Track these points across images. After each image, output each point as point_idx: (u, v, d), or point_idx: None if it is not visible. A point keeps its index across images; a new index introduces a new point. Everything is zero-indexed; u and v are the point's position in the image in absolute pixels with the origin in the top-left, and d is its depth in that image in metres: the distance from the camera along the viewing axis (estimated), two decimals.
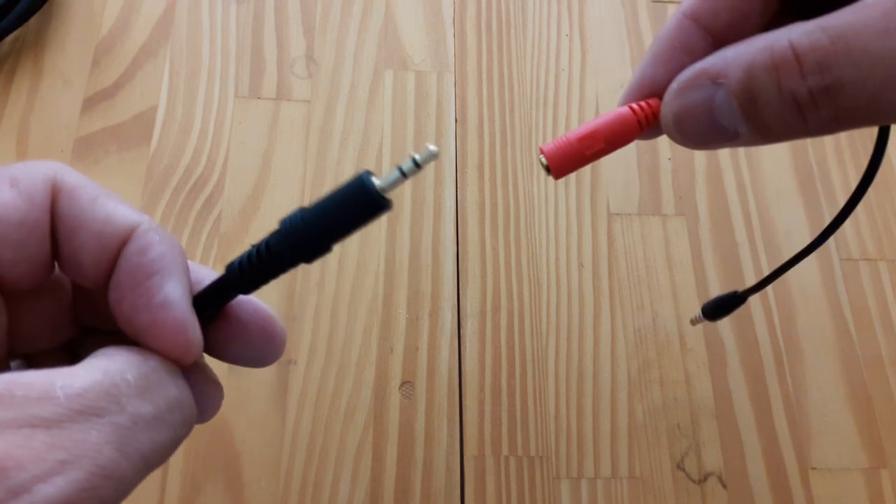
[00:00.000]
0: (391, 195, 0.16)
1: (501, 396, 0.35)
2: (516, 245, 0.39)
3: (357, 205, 0.16)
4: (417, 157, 0.16)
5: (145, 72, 0.41)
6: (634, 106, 0.20)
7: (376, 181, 0.16)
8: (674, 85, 0.19)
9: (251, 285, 0.18)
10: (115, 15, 0.42)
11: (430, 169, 0.40)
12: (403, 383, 0.35)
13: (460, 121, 0.42)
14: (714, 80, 0.18)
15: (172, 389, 0.16)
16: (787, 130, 0.18)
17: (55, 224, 0.17)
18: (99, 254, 0.17)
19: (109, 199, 0.17)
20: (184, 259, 0.17)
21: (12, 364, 0.18)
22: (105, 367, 0.15)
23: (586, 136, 0.20)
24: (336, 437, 0.34)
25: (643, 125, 0.20)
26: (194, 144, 0.39)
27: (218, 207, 0.38)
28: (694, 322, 0.37)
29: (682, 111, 0.19)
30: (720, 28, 0.20)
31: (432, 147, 0.16)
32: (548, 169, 0.20)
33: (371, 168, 0.39)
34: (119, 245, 0.17)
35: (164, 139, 0.39)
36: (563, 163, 0.20)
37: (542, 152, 0.20)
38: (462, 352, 0.36)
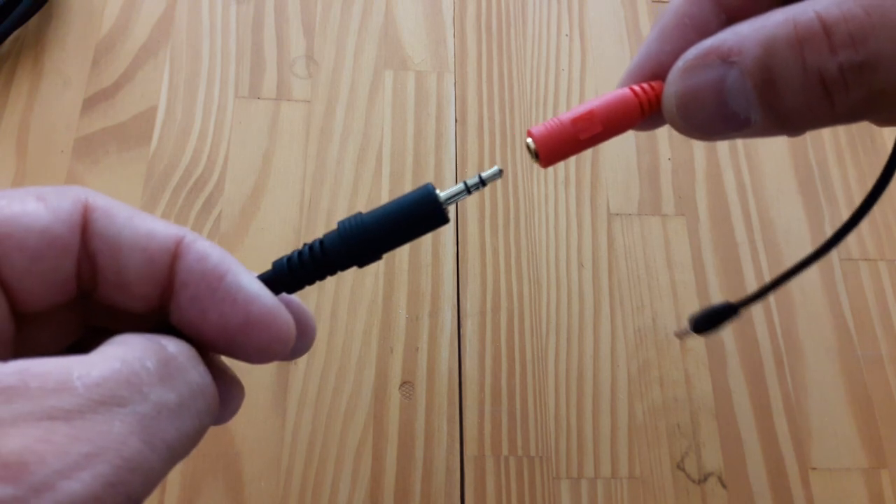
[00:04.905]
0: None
1: (501, 396, 0.35)
2: (516, 245, 0.39)
3: (420, 214, 0.17)
4: (483, 175, 0.17)
5: (145, 72, 0.41)
6: (636, 87, 0.18)
7: (440, 193, 0.17)
8: (679, 63, 0.17)
9: (297, 284, 0.18)
10: (115, 15, 0.42)
11: (429, 168, 0.40)
12: (403, 383, 0.35)
13: (460, 121, 0.42)
14: (726, 58, 0.15)
15: (194, 376, 0.15)
16: (808, 116, 0.15)
17: (93, 247, 0.16)
18: (146, 270, 0.16)
19: (146, 216, 0.16)
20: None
21: None
22: (122, 356, 0.14)
23: (582, 117, 0.18)
24: (336, 437, 0.34)
25: (645, 109, 0.18)
26: (194, 144, 0.39)
27: (218, 207, 0.38)
28: (679, 335, 0.36)
29: (687, 94, 0.16)
30: (737, 3, 0.17)
31: (497, 167, 0.18)
32: (536, 155, 0.18)
33: (370, 168, 0.40)
34: (168, 259, 0.16)
35: (164, 139, 0.39)
36: (553, 147, 0.18)
37: (529, 135, 0.18)
38: (462, 352, 0.36)
